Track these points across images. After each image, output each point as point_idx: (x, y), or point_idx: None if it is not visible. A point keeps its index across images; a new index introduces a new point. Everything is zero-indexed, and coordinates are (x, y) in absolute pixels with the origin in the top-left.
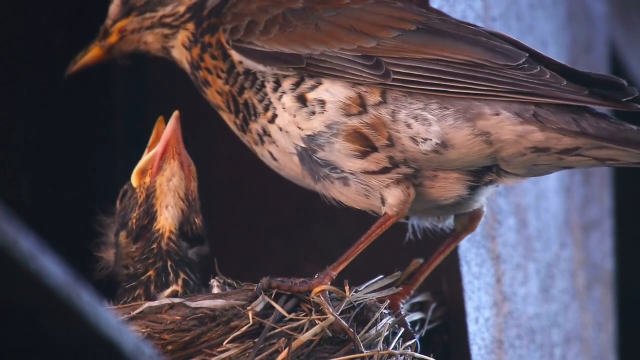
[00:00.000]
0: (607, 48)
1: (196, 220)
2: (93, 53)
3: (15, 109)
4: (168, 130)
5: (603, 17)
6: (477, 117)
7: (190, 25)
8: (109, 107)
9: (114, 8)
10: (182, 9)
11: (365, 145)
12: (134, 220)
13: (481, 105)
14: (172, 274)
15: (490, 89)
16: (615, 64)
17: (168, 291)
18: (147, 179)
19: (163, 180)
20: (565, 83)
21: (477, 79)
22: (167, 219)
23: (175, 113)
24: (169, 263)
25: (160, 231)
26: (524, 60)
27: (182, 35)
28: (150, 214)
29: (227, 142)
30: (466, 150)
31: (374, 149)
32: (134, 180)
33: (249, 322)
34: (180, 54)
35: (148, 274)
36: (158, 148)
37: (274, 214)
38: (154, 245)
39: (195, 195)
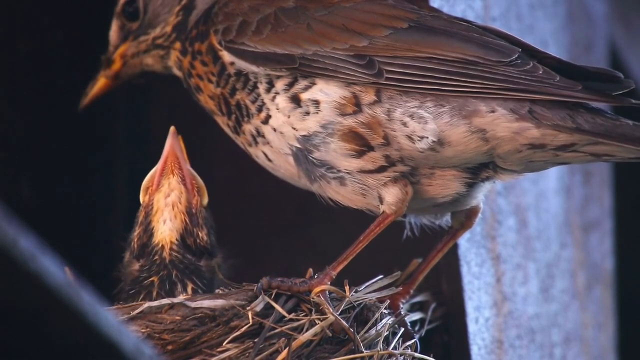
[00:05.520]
0: (607, 48)
1: (200, 233)
2: (101, 83)
3: (15, 109)
4: (166, 146)
5: (603, 17)
6: (472, 115)
7: (178, 45)
8: (109, 107)
9: (113, 34)
10: (168, 29)
11: (361, 144)
12: (135, 239)
13: (477, 103)
14: (179, 284)
15: (483, 86)
16: (615, 64)
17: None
18: (147, 198)
19: (160, 197)
20: (558, 79)
21: (470, 77)
22: (164, 232)
23: (172, 129)
24: (173, 273)
25: (161, 244)
26: (517, 55)
27: (173, 56)
28: (148, 231)
29: (227, 142)
30: (463, 148)
31: (370, 148)
32: (141, 197)
33: (249, 322)
34: (176, 72)
35: (151, 279)
36: (157, 165)
37: (274, 214)
38: (156, 257)
39: (200, 209)
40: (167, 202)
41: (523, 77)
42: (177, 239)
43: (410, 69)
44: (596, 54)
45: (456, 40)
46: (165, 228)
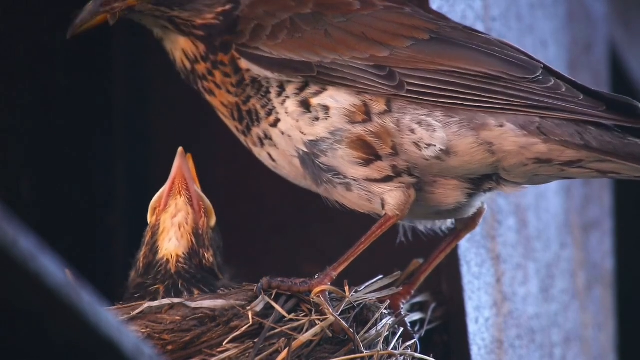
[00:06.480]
0: (607, 48)
1: (206, 254)
2: (100, 19)
3: (16, 109)
4: (174, 167)
5: (603, 17)
6: (481, 127)
7: (201, 45)
8: (109, 107)
9: None
10: (199, 21)
11: (369, 153)
12: (142, 259)
13: (485, 117)
14: (185, 293)
15: (506, 102)
16: (615, 64)
17: None
18: (154, 218)
19: (167, 217)
20: (582, 97)
21: (493, 92)
22: (169, 247)
23: (180, 150)
24: (179, 282)
25: (165, 258)
26: (540, 72)
27: (186, 44)
28: (154, 250)
29: (227, 142)
30: (469, 158)
31: (378, 158)
32: (148, 217)
33: (249, 322)
34: (173, 51)
35: (156, 286)
36: (165, 186)
37: (274, 214)
38: (161, 269)
39: (206, 230)
40: (174, 223)
41: (547, 94)
42: (183, 253)
43: (432, 82)
44: (596, 54)
45: (478, 54)
46: (171, 244)
